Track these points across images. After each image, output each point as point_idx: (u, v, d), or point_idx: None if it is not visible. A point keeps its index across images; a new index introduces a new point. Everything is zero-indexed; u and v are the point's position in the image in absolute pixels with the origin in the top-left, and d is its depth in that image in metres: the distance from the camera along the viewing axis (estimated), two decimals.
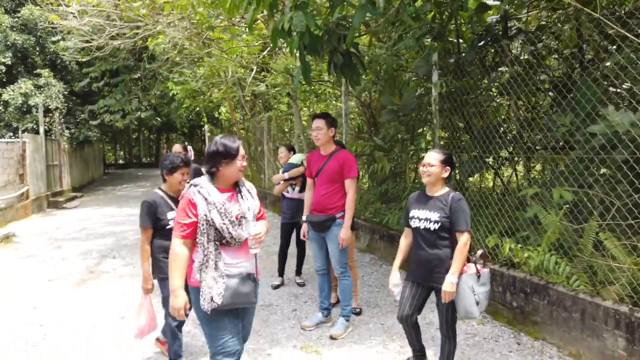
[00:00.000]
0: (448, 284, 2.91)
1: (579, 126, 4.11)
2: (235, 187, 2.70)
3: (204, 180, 2.61)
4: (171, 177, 3.47)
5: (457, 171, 5.37)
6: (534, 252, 4.00)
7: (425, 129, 6.74)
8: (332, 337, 4.06)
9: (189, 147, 6.62)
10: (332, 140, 4.10)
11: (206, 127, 23.78)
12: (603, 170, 4.19)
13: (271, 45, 5.72)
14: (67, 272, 6.57)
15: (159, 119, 18.63)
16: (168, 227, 3.35)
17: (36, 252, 7.95)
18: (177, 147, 6.12)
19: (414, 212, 3.14)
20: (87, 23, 8.94)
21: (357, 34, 7.17)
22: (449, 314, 3.05)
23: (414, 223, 3.12)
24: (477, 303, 2.95)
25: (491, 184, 6.39)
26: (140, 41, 10.25)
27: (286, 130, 12.63)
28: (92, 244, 8.54)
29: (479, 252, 3.06)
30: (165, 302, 3.38)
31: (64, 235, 9.51)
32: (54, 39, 15.95)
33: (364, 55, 6.83)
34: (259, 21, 8.32)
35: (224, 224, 2.53)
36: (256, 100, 14.43)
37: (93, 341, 4.15)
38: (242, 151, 2.64)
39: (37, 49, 16.41)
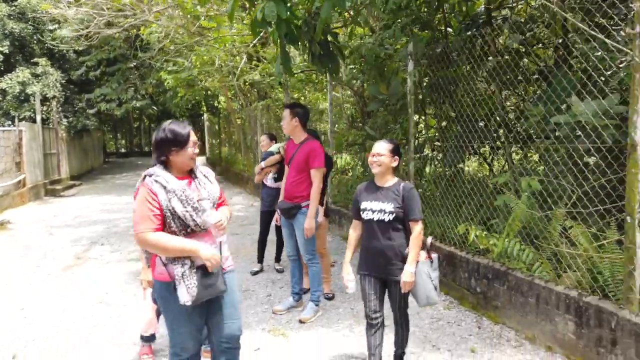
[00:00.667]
0: (407, 274, 2.90)
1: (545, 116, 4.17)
2: (191, 174, 2.58)
3: (158, 169, 2.47)
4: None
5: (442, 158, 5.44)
6: (499, 239, 4.08)
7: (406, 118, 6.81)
8: (300, 321, 4.19)
9: None
10: (300, 129, 4.16)
11: (205, 116, 23.89)
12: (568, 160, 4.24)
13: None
14: (56, 257, 6.72)
15: (155, 107, 18.73)
16: None
17: (29, 239, 8.11)
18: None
19: (366, 204, 3.07)
20: (77, 12, 9.00)
21: (340, 25, 7.24)
22: (402, 303, 3.07)
23: (367, 215, 3.04)
24: (435, 288, 3.00)
25: (476, 173, 6.45)
26: (135, 30, 10.32)
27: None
28: (84, 230, 8.69)
29: (429, 239, 3.09)
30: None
31: (60, 222, 9.67)
32: (51, 27, 16.03)
33: (345, 44, 6.88)
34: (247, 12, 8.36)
35: (187, 211, 2.43)
36: (252, 89, 14.49)
37: (88, 338, 4.28)
38: (192, 137, 2.51)
39: (35, 37, 16.47)
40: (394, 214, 2.96)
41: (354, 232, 3.22)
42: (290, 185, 4.14)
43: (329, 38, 5.46)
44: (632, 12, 2.82)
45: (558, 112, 4.11)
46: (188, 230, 2.45)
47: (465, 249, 4.46)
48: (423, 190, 5.62)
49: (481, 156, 5.82)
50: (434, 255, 3.06)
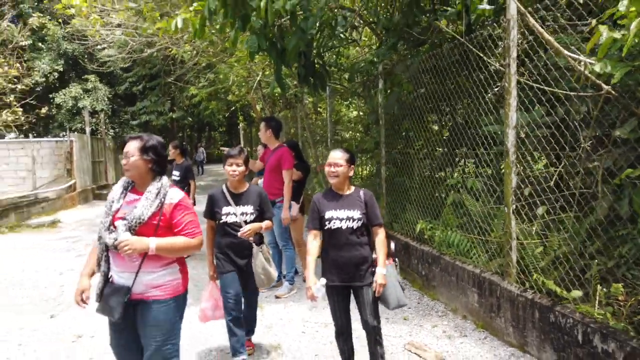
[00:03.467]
0: (381, 276, 2.89)
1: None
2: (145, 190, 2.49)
3: (120, 181, 2.61)
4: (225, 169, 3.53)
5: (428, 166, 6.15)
6: (438, 230, 4.84)
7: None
8: (276, 297, 5.09)
9: (201, 149, 7.73)
10: (274, 139, 5.09)
11: (241, 125, 25.28)
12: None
13: None
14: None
15: (190, 118, 20.24)
16: (221, 221, 3.46)
17: (73, 235, 9.44)
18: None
19: (331, 213, 3.00)
20: (113, 38, 10.35)
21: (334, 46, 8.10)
22: (373, 308, 2.99)
23: (334, 224, 2.98)
24: (403, 289, 3.03)
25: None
26: (170, 49, 11.60)
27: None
28: None
29: (392, 244, 3.14)
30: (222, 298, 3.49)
31: None
32: (99, 47, 17.78)
33: (335, 64, 7.74)
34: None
35: (101, 222, 2.46)
36: (278, 100, 15.57)
37: None
38: (125, 148, 2.50)
39: (85, 56, 18.30)
40: (361, 220, 2.98)
41: (315, 241, 3.06)
42: (266, 184, 5.07)
43: (316, 60, 6.39)
44: (502, 45, 3.57)
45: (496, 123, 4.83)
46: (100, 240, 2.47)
47: (416, 239, 5.23)
48: (386, 192, 6.33)
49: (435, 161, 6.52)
50: (396, 259, 3.14)
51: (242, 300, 3.60)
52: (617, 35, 2.77)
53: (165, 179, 2.55)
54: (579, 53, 3.40)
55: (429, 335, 3.95)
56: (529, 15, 3.36)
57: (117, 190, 2.53)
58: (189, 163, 6.94)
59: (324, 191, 3.21)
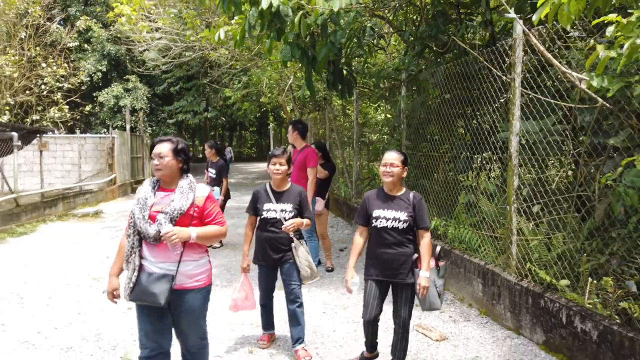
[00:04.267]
0: (424, 279, 3.00)
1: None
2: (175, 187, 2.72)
3: (146, 181, 2.81)
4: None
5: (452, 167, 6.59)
6: (451, 226, 5.27)
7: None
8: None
9: (229, 148, 8.37)
10: (300, 139, 5.61)
11: (271, 125, 26.05)
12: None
13: None
14: None
15: (223, 118, 21.07)
16: (262, 216, 3.64)
17: (115, 225, 10.21)
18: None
19: (378, 212, 3.13)
20: (158, 44, 11.14)
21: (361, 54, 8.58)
22: (408, 307, 3.13)
23: (381, 223, 3.11)
24: (439, 295, 3.09)
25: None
26: (207, 52, 12.35)
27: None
28: None
29: (438, 247, 3.21)
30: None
31: None
32: (140, 49, 18.76)
33: (362, 71, 8.21)
34: None
35: (138, 217, 2.62)
36: (308, 102, 16.18)
37: None
38: (156, 150, 2.67)
39: (127, 57, 19.30)
40: (408, 222, 3.08)
41: (360, 237, 3.27)
42: (294, 181, 5.58)
43: (344, 67, 6.89)
44: (508, 62, 3.99)
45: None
46: (140, 234, 2.65)
47: (435, 236, 5.66)
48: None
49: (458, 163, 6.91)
50: (442, 264, 3.18)
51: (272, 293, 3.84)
52: (613, 54, 3.17)
53: (191, 176, 2.81)
54: (583, 68, 3.81)
55: (436, 319, 4.39)
56: (532, 35, 3.76)
57: (146, 188, 2.73)
58: (224, 161, 7.55)
59: (376, 190, 3.33)
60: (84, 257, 7.11)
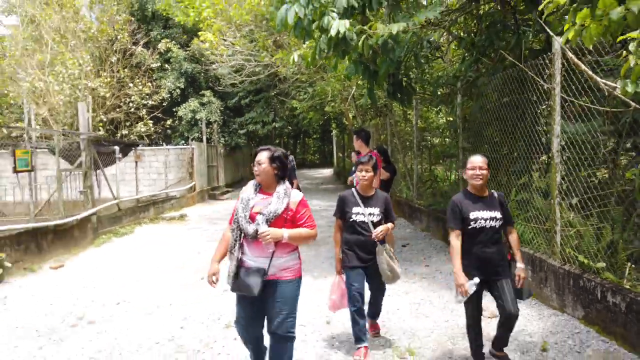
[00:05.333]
0: (522, 270, 3.31)
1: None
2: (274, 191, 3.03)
3: (250, 183, 3.15)
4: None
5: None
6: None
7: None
8: None
9: (291, 157, 9.16)
10: (364, 146, 6.34)
11: (334, 132, 26.97)
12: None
13: None
14: (217, 237, 9.75)
15: (290, 127, 22.22)
16: (351, 219, 3.78)
17: (199, 226, 11.44)
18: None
19: (475, 214, 3.25)
20: (235, 65, 12.37)
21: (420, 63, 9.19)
22: (514, 297, 3.27)
23: (480, 224, 3.24)
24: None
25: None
26: (282, 69, 13.45)
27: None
28: None
29: None
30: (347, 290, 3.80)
31: (218, 216, 13.04)
32: (214, 66, 20.36)
33: (417, 80, 8.81)
34: None
35: (240, 216, 2.96)
36: (369, 109, 16.90)
37: None
38: (257, 157, 3.01)
39: (202, 74, 20.91)
40: (502, 220, 3.29)
41: (458, 240, 3.30)
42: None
43: (403, 78, 7.57)
44: (547, 72, 4.53)
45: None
46: (241, 230, 2.99)
47: None
48: None
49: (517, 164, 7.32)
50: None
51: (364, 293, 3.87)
52: None
53: (287, 182, 3.09)
54: (619, 75, 4.29)
55: (492, 303, 4.95)
56: (568, 51, 4.28)
57: (249, 190, 3.05)
58: (293, 165, 8.46)
59: (462, 193, 3.43)
60: (179, 252, 8.26)
